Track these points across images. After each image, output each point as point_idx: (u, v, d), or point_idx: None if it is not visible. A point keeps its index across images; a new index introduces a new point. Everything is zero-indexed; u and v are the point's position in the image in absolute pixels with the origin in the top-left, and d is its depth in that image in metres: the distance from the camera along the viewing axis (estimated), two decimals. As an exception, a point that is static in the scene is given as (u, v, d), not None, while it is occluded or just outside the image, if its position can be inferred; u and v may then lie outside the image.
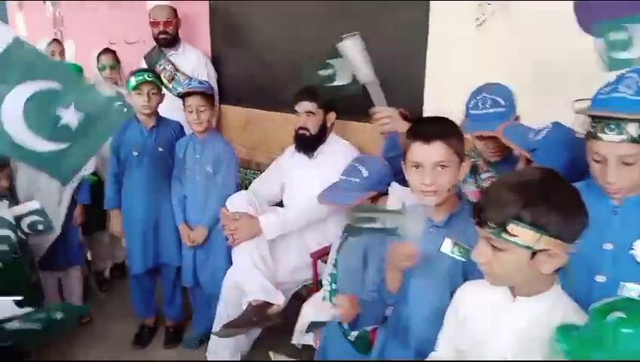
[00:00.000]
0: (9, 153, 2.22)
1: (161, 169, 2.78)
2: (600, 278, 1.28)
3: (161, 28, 3.40)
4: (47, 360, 2.77)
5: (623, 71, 1.31)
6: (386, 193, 2.02)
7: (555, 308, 1.12)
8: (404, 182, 1.90)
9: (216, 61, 3.60)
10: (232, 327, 2.37)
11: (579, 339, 0.97)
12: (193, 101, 2.61)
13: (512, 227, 1.04)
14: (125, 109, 2.17)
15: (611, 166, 1.22)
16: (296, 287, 2.64)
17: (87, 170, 2.81)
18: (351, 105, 2.72)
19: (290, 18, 3.15)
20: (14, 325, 1.84)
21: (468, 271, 1.39)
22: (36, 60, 2.06)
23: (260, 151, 3.45)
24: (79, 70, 3.30)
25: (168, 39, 3.42)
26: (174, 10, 3.44)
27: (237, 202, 2.54)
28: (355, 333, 1.89)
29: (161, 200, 2.79)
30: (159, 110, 2.79)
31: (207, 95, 2.63)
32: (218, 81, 3.54)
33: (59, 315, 1.91)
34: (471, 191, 1.86)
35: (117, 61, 3.59)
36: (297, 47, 3.11)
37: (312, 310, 2.26)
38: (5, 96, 1.98)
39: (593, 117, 1.25)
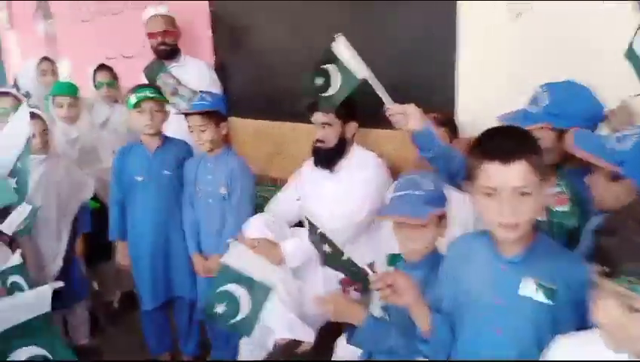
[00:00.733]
0: None
1: (168, 194, 2.53)
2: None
3: (160, 39, 3.18)
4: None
5: None
6: None
7: None
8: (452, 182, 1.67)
9: (220, 71, 3.36)
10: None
11: None
12: (193, 121, 2.37)
13: None
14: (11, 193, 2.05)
15: None
16: (325, 319, 2.37)
17: None
18: (373, 112, 2.55)
19: (301, 21, 2.91)
20: None
21: (557, 318, 1.12)
22: None
23: (274, 165, 3.20)
24: (75, 89, 3.06)
25: (168, 50, 3.20)
26: (172, 20, 3.22)
27: (254, 226, 2.29)
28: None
29: (170, 229, 2.54)
30: (164, 129, 2.54)
31: (208, 112, 2.38)
32: (223, 92, 3.30)
33: None
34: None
35: (114, 77, 3.36)
36: (309, 52, 2.87)
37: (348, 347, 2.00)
38: None
39: None
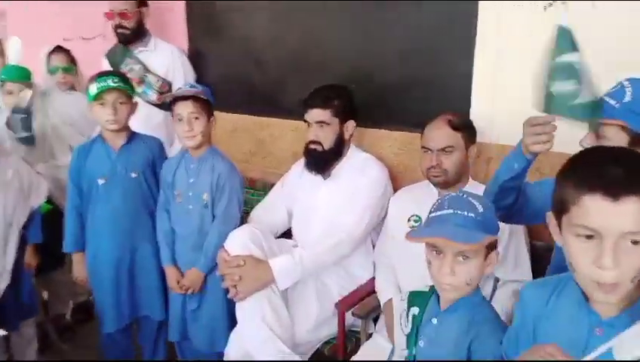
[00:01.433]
0: None
1: (134, 199, 2.18)
2: None
3: (117, 21, 2.82)
4: None
5: None
6: None
7: None
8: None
9: (195, 58, 3.01)
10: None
11: None
12: (184, 108, 2.03)
13: None
14: None
15: None
16: (318, 344, 2.09)
17: None
18: (371, 109, 2.28)
19: (291, 6, 2.60)
20: None
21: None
22: None
23: (253, 165, 2.89)
24: (27, 74, 2.66)
25: (127, 34, 2.84)
26: (136, 1, 2.84)
27: (238, 241, 1.99)
28: None
29: (136, 239, 2.19)
30: (130, 124, 2.19)
31: (201, 100, 2.06)
32: (198, 83, 2.95)
33: None
34: None
35: (72, 61, 2.95)
36: (297, 39, 2.59)
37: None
38: None
39: None
